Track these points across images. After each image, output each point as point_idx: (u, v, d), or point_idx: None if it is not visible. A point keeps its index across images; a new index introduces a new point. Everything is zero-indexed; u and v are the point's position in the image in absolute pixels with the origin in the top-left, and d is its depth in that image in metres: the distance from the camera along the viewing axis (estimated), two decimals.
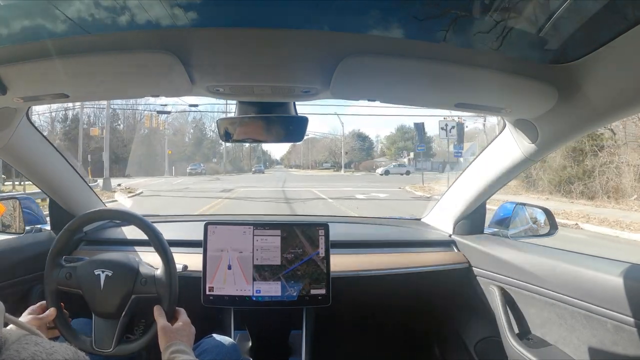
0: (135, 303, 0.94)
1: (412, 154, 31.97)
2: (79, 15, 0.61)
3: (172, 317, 0.90)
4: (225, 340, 1.02)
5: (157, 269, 0.97)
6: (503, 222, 1.38)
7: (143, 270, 0.96)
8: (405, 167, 27.88)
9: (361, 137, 41.07)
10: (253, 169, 33.89)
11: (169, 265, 0.93)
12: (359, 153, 38.75)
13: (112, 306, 0.93)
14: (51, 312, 0.87)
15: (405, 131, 38.64)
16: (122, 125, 31.60)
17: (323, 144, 40.06)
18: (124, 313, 0.93)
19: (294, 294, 1.15)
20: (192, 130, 37.44)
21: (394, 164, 31.08)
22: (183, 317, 0.91)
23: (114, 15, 0.62)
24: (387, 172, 26.40)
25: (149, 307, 0.99)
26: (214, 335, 1.03)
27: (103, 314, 0.93)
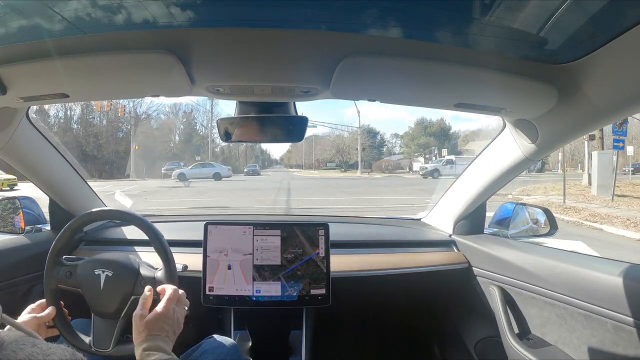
0: (134, 304, 0.94)
1: (445, 152, 26.85)
2: (79, 15, 0.61)
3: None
4: (226, 341, 1.02)
5: (157, 269, 0.97)
6: (503, 222, 1.38)
7: (143, 271, 0.96)
8: (213, 168, 19.84)
9: (372, 133, 37.11)
10: (245, 170, 27.30)
11: (169, 265, 0.93)
12: (370, 151, 34.46)
13: (111, 306, 0.93)
14: (50, 311, 0.87)
15: (427, 125, 34.84)
16: (97, 119, 26.60)
17: (328, 141, 36.32)
18: (123, 314, 0.93)
19: (294, 294, 1.15)
20: (181, 126, 33.05)
21: (201, 162, 22.63)
22: (163, 302, 0.80)
23: (114, 15, 0.62)
24: (182, 177, 17.81)
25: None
26: (215, 336, 1.03)
27: (102, 313, 0.93)
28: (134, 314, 0.78)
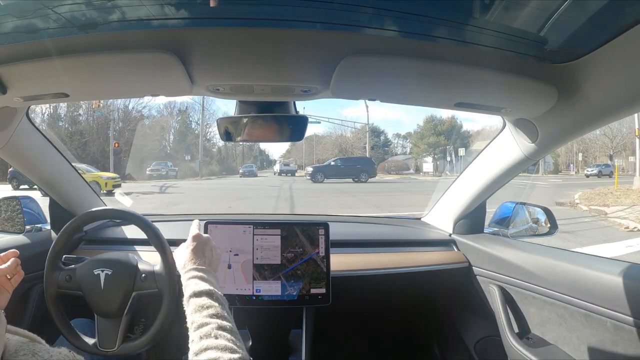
0: (136, 300, 0.95)
1: (462, 151, 23.69)
2: (79, 14, 0.61)
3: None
4: None
5: (156, 265, 0.97)
6: (503, 221, 1.38)
7: (142, 266, 0.97)
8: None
9: (376, 133, 35.28)
10: (241, 171, 25.83)
11: (168, 262, 0.94)
12: (375, 151, 32.43)
13: (113, 305, 0.93)
14: (11, 263, 0.81)
15: (437, 123, 32.67)
16: (84, 117, 24.20)
17: (329, 140, 34.85)
18: (125, 311, 0.94)
19: (294, 293, 1.15)
20: (176, 125, 31.05)
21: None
22: (203, 237, 0.83)
23: (115, 15, 0.62)
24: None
25: (149, 305, 0.99)
26: None
27: (105, 313, 0.94)
28: (183, 246, 0.81)
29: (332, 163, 19.39)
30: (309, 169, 18.85)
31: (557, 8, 0.56)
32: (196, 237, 0.82)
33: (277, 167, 26.19)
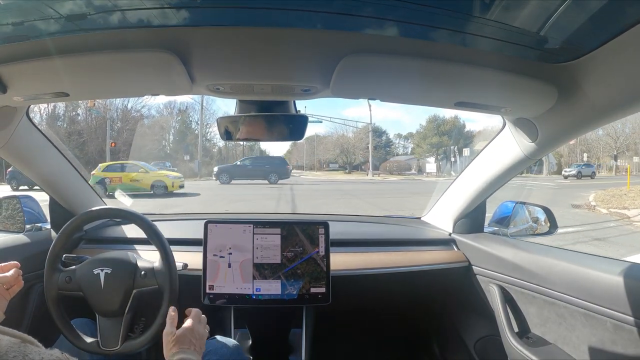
0: (137, 298, 0.95)
1: (467, 151, 22.74)
2: (79, 13, 0.61)
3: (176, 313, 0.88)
4: (229, 341, 1.03)
5: (155, 261, 0.97)
6: (503, 220, 1.38)
7: (141, 264, 0.97)
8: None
9: (377, 133, 34.38)
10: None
11: (168, 260, 0.94)
12: (376, 152, 31.56)
13: (114, 303, 0.93)
14: (14, 273, 0.83)
15: (440, 123, 31.86)
16: (82, 116, 23.47)
17: (330, 140, 34.10)
18: (127, 309, 0.94)
19: (294, 292, 1.15)
20: (176, 125, 29.95)
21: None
22: (190, 319, 0.86)
23: (115, 13, 0.62)
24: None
25: (150, 303, 0.99)
26: (217, 337, 1.04)
27: (107, 312, 0.94)
28: (164, 332, 0.82)
29: (239, 163, 18.30)
30: (214, 169, 17.85)
31: (558, 7, 0.56)
32: (189, 329, 0.83)
33: None
